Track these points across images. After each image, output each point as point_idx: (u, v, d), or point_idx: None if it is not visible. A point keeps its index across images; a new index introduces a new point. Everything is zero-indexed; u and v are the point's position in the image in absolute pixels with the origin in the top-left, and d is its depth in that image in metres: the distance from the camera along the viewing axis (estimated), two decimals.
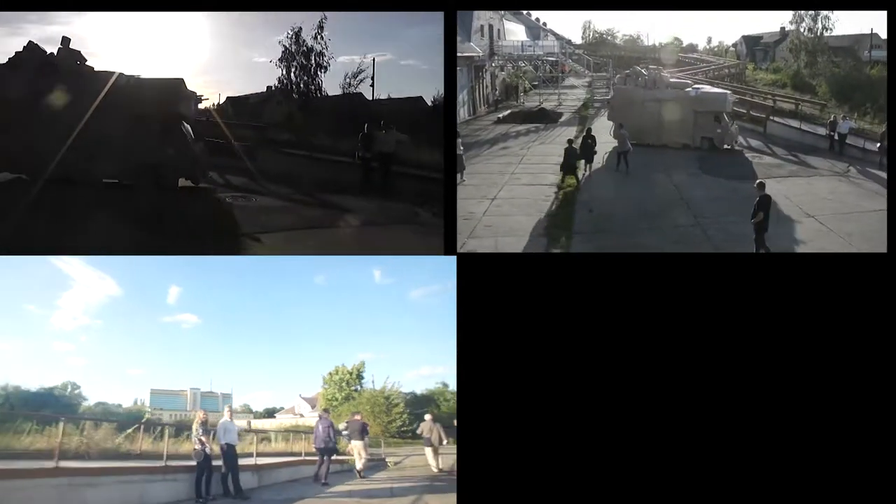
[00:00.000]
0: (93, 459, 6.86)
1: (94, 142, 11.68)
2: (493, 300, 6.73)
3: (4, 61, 12.82)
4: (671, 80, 17.12)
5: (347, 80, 18.84)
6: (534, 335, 6.65)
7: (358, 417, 10.20)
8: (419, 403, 20.00)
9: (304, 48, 17.88)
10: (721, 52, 30.13)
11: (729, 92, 16.90)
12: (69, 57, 12.62)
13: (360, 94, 19.12)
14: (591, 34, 30.05)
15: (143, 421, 11.09)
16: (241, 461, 7.72)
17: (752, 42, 29.46)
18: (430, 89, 18.69)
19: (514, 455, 6.50)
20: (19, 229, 9.01)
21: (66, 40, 12.75)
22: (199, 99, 13.89)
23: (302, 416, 26.13)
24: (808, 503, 6.24)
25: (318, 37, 17.86)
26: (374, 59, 10.91)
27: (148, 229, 9.41)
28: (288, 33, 17.84)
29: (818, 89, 22.26)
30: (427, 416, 10.78)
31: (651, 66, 18.99)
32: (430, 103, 17.96)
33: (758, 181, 9.01)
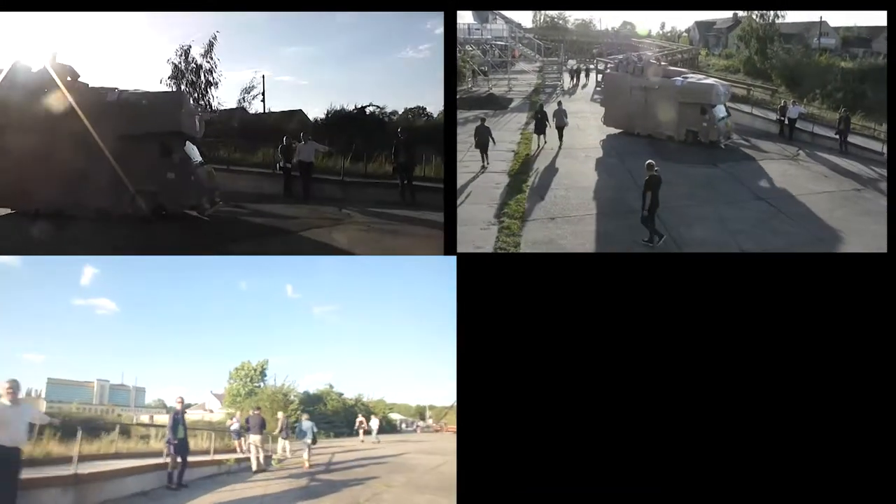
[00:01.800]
0: None
1: (85, 168, 11.09)
2: (492, 300, 7.02)
3: None
4: (669, 68, 16.86)
5: (242, 95, 21.57)
6: (533, 335, 6.92)
7: (257, 412, 11.05)
8: (310, 402, 23.35)
9: (194, 66, 19.98)
10: (674, 37, 31.55)
11: (719, 83, 16.09)
12: (59, 73, 11.68)
13: (243, 108, 21.70)
14: (542, 18, 30.79)
15: None
16: (50, 472, 6.25)
17: (704, 28, 31.04)
18: (310, 104, 23.00)
19: (513, 455, 6.75)
20: None
21: (53, 55, 11.81)
22: (203, 115, 13.10)
23: (212, 411, 26.00)
24: (808, 503, 6.56)
25: (208, 55, 20.08)
26: (263, 77, 11.80)
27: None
28: (178, 51, 19.90)
29: (770, 75, 23.75)
30: (280, 414, 12.88)
31: (648, 53, 19.24)
32: (324, 115, 20.69)
33: (647, 161, 9.43)
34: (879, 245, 9.33)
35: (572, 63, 25.97)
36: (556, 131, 15.47)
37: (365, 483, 8.31)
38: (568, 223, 10.28)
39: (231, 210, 12.74)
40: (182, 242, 10.72)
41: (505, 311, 6.97)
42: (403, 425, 30.01)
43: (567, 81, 24.26)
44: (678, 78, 15.88)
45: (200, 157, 12.56)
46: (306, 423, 11.15)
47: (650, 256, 8.14)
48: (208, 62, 20.13)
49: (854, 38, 25.77)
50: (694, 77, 16.37)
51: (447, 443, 17.68)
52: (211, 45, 19.93)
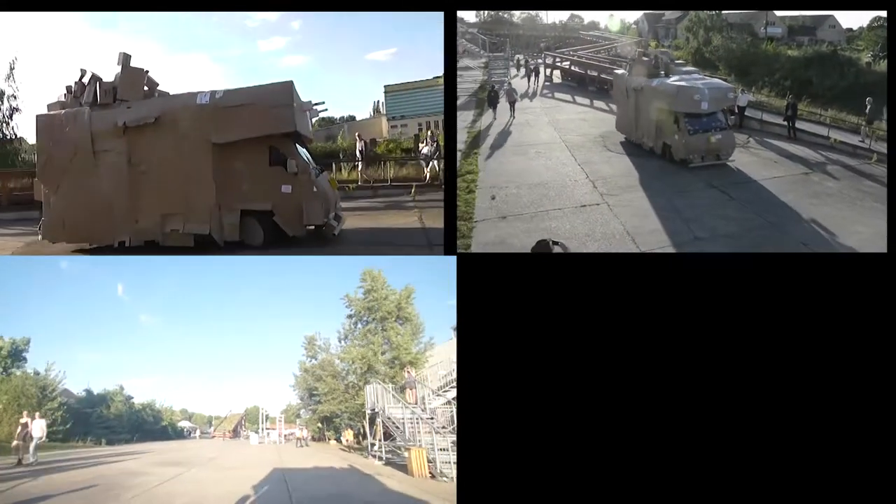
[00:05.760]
0: None
1: (177, 189, 10.12)
2: (493, 300, 7.31)
3: (53, 101, 11.18)
4: (685, 67, 15.58)
5: None
6: (534, 335, 7.22)
7: None
8: (92, 402, 21.83)
9: None
10: (623, 29, 32.88)
11: (704, 85, 13.65)
12: (134, 80, 10.77)
13: None
14: (486, 12, 31.48)
15: None
16: None
17: (653, 19, 32.53)
18: None
19: (513, 456, 7.03)
20: None
21: (125, 57, 10.85)
22: (315, 111, 11.54)
23: None
24: (808, 503, 6.90)
25: (10, 78, 19.62)
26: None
27: None
28: None
29: (719, 65, 25.12)
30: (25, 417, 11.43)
31: (663, 50, 18.43)
32: None
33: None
34: (828, 226, 10.15)
35: (520, 57, 26.66)
36: (508, 105, 18.69)
37: None
38: (519, 221, 10.63)
39: None
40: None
41: (505, 311, 7.28)
42: (189, 433, 32.57)
43: (525, 81, 24.74)
44: (660, 78, 14.21)
45: (314, 162, 11.17)
46: None
47: (650, 257, 8.61)
48: (11, 86, 19.51)
49: (799, 27, 27.62)
50: (673, 77, 14.18)
51: (205, 450, 19.16)
52: (12, 67, 19.40)
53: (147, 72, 11.06)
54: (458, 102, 20.90)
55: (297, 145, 10.70)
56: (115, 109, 10.56)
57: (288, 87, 10.26)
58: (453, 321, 20.13)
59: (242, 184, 10.17)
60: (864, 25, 25.14)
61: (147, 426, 26.16)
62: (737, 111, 17.97)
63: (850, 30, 26.09)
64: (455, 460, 10.26)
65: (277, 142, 10.25)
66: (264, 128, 10.05)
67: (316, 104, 11.50)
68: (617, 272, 7.42)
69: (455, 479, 7.35)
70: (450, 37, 9.68)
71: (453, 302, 7.52)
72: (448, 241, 8.89)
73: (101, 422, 21.84)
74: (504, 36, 27.67)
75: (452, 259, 7.91)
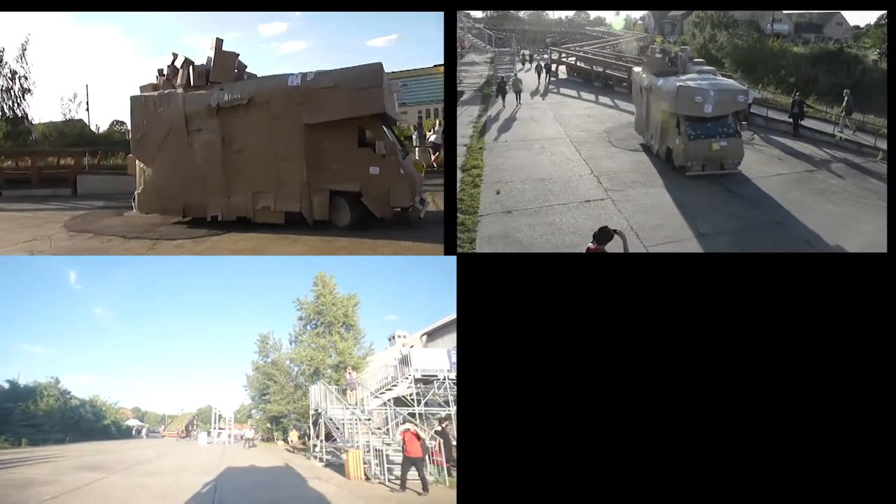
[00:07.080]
0: None
1: (270, 168, 10.46)
2: (493, 300, 7.29)
3: (145, 83, 11.60)
4: (703, 66, 14.10)
5: (67, 104, 21.46)
6: (534, 336, 7.20)
7: None
8: (16, 395, 19.73)
9: (8, 71, 19.59)
10: (629, 25, 32.78)
11: (709, 86, 12.26)
12: (226, 63, 11.12)
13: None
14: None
15: None
16: None
17: (660, 15, 32.42)
18: None
19: (514, 456, 7.02)
20: None
21: (218, 42, 11.19)
22: (401, 92, 12.03)
23: None
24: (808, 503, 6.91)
25: (22, 59, 19.79)
26: (87, 85, 11.74)
27: None
28: None
29: (724, 62, 25.03)
30: None
31: (683, 47, 18.29)
32: None
33: None
34: (831, 224, 10.12)
35: (525, 53, 26.62)
36: (515, 95, 20.07)
37: None
38: (524, 215, 10.63)
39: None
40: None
41: (505, 311, 7.26)
42: (137, 432, 31.54)
43: (528, 76, 24.74)
44: (667, 77, 13.15)
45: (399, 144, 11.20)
46: None
47: (650, 257, 8.61)
48: (23, 67, 19.65)
49: (806, 24, 27.46)
50: (680, 78, 12.86)
51: (145, 451, 18.18)
52: (24, 48, 19.53)
53: (238, 55, 11.38)
54: (464, 98, 20.98)
55: (385, 127, 10.81)
56: (208, 91, 10.92)
57: (378, 68, 10.27)
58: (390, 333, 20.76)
59: (332, 164, 10.28)
60: (872, 23, 25.01)
61: (85, 424, 23.35)
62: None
63: (858, 27, 25.98)
64: (455, 465, 10.40)
65: (366, 123, 10.35)
66: (354, 109, 10.08)
67: (402, 85, 12.01)
68: (617, 272, 7.42)
69: (455, 481, 7.37)
70: (450, 36, 9.63)
71: (393, 317, 7.47)
72: (448, 240, 8.84)
73: (25, 419, 19.25)
74: (510, 31, 27.63)
75: (452, 259, 7.90)
